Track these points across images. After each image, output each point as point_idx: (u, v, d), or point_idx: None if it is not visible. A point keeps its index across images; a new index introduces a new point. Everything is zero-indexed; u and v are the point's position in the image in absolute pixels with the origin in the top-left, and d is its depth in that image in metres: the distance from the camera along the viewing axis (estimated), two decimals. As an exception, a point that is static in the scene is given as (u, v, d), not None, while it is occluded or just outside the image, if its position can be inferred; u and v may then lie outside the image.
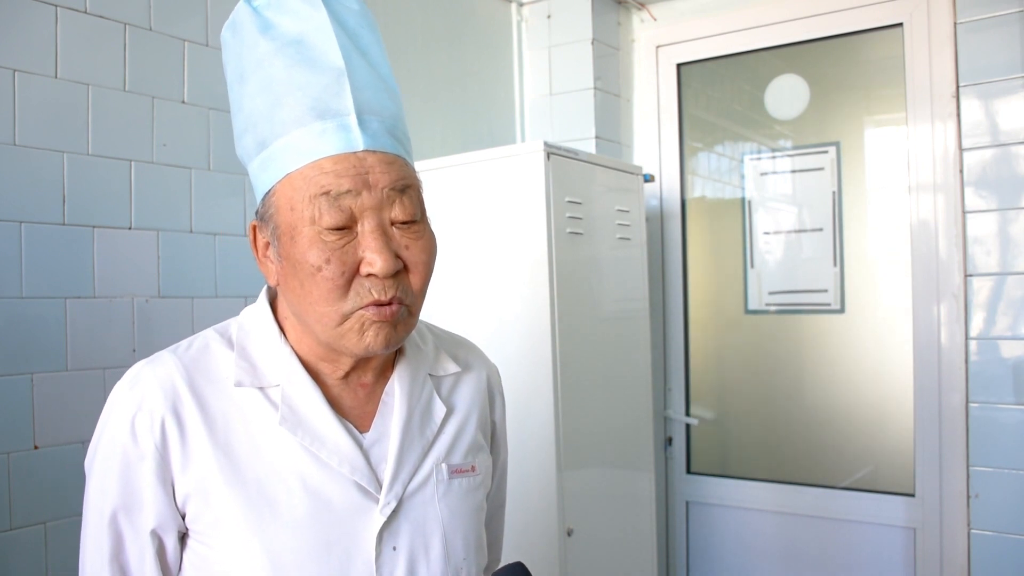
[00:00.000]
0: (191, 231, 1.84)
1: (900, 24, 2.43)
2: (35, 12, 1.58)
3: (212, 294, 1.86)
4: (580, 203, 2.03)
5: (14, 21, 1.55)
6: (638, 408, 2.29)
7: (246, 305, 1.01)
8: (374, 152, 0.86)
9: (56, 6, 1.61)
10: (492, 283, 2.00)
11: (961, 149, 2.31)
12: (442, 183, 2.08)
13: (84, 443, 1.64)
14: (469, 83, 2.60)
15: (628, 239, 2.25)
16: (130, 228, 1.73)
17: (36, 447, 1.56)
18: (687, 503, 2.83)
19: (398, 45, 2.33)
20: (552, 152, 1.95)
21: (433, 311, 2.08)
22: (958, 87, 2.30)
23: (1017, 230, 2.23)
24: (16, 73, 1.55)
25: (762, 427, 2.75)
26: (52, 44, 1.61)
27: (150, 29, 1.77)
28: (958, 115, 2.31)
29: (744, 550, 2.72)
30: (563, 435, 1.91)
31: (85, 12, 1.66)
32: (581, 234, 2.03)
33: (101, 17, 1.68)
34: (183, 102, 1.83)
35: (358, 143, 0.85)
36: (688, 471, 2.84)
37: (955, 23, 2.30)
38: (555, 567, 1.87)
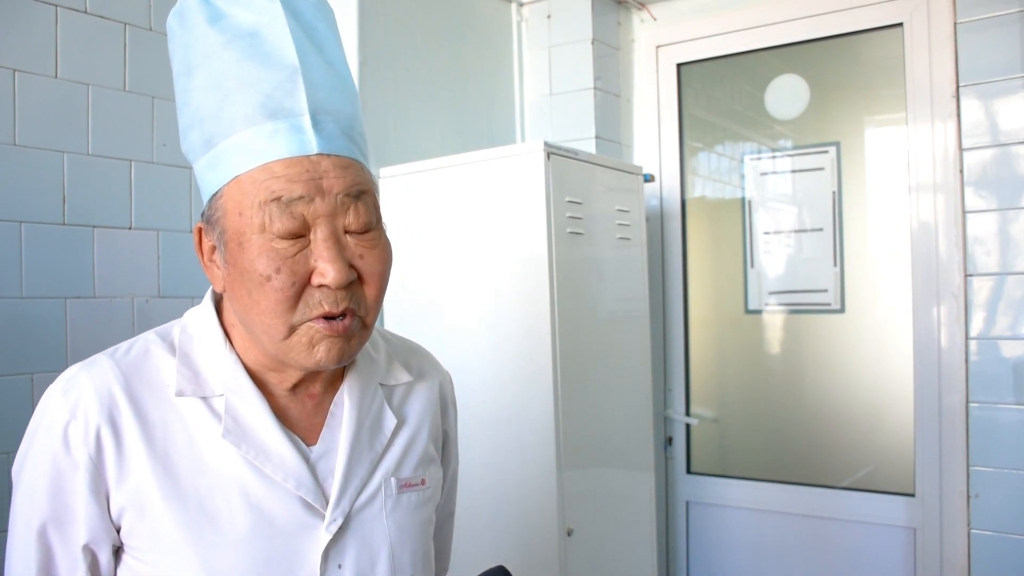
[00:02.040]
0: (191, 231, 1.84)
1: (900, 24, 2.43)
2: (35, 12, 1.58)
3: (212, 294, 1.86)
4: (580, 203, 2.03)
5: (14, 21, 1.55)
6: (638, 408, 2.29)
7: (191, 308, 0.98)
8: (328, 156, 0.81)
9: (56, 6, 1.61)
10: (492, 283, 2.00)
11: (961, 149, 2.31)
12: (442, 183, 2.08)
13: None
14: (469, 83, 2.60)
15: (628, 239, 2.25)
16: (130, 228, 1.73)
17: (36, 447, 1.56)
18: (687, 503, 2.83)
19: (398, 45, 2.33)
20: (552, 152, 1.95)
21: (433, 311, 2.08)
22: (958, 87, 2.30)
23: (1017, 230, 2.23)
24: (16, 73, 1.55)
25: (762, 427, 2.75)
26: (52, 44, 1.61)
27: (150, 29, 1.77)
28: (958, 115, 2.31)
29: (744, 550, 2.72)
30: (563, 435, 1.91)
31: (85, 12, 1.66)
32: (581, 234, 2.03)
33: (101, 17, 1.68)
34: (183, 102, 1.83)
35: (312, 146, 0.80)
36: (688, 471, 2.84)
37: (955, 23, 2.30)
38: (555, 567, 1.87)
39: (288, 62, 0.82)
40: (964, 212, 2.31)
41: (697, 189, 2.87)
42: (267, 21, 0.84)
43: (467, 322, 2.02)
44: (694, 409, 2.85)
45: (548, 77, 2.78)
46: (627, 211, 2.26)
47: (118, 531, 0.85)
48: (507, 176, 1.98)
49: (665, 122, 2.87)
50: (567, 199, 1.98)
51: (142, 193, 1.75)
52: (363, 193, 0.83)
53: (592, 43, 2.70)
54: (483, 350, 1.98)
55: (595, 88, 2.70)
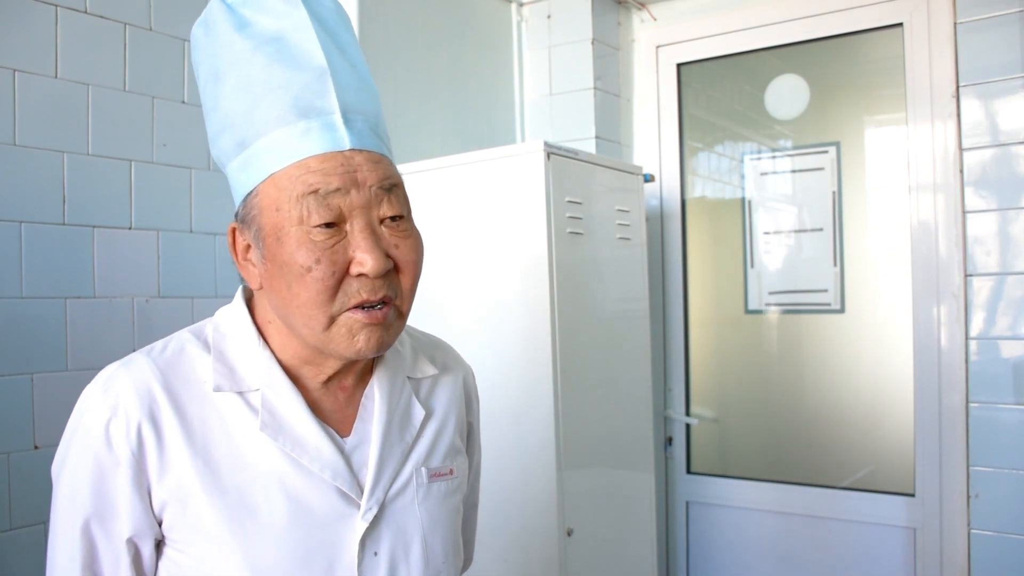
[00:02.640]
0: (191, 231, 1.84)
1: (900, 24, 2.43)
2: (35, 12, 1.58)
3: (212, 294, 1.86)
4: (580, 203, 2.03)
5: (14, 21, 1.55)
6: (638, 408, 2.29)
7: (222, 307, 0.99)
8: (360, 151, 0.85)
9: (56, 6, 1.61)
10: (492, 283, 2.00)
11: (961, 149, 2.31)
12: (442, 183, 2.08)
13: (84, 443, 1.64)
14: (469, 83, 2.60)
15: (628, 239, 2.25)
16: (130, 228, 1.73)
17: (36, 447, 1.56)
18: (687, 503, 2.83)
19: (398, 45, 2.33)
20: (552, 152, 1.95)
21: (433, 311, 2.08)
22: (958, 87, 2.30)
23: (1017, 230, 2.23)
24: (16, 73, 1.55)
25: (762, 427, 2.75)
26: (52, 44, 1.61)
27: (150, 29, 1.77)
28: (958, 115, 2.31)
29: (744, 550, 2.72)
30: (563, 435, 1.91)
31: (85, 12, 1.66)
32: (581, 234, 2.03)
33: (101, 17, 1.68)
34: (183, 102, 1.83)
35: (345, 142, 0.84)
36: (688, 471, 2.84)
37: (955, 23, 2.30)
38: (555, 567, 1.87)
39: (316, 64, 0.86)
40: (964, 212, 2.31)
41: (697, 189, 2.87)
42: (292, 26, 0.87)
43: (467, 322, 2.02)
44: (694, 409, 2.85)
45: (548, 77, 2.78)
46: (627, 211, 2.26)
47: (160, 525, 0.86)
48: (507, 176, 1.98)
49: (665, 122, 2.87)
50: (567, 199, 1.98)
51: (142, 193, 1.75)
52: (395, 186, 0.87)
53: (592, 43, 2.70)
54: (483, 350, 1.98)
55: (595, 88, 2.70)
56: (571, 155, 2.02)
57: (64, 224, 1.62)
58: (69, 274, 1.62)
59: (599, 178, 2.15)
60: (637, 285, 2.32)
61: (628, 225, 2.25)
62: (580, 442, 1.98)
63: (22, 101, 1.56)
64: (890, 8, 2.44)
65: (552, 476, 1.88)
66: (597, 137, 2.70)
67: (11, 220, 1.55)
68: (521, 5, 2.82)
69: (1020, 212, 2.22)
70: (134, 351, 1.75)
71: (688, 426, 2.83)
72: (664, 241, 2.86)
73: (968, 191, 2.30)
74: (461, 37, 2.58)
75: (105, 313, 1.68)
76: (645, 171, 2.42)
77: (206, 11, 0.92)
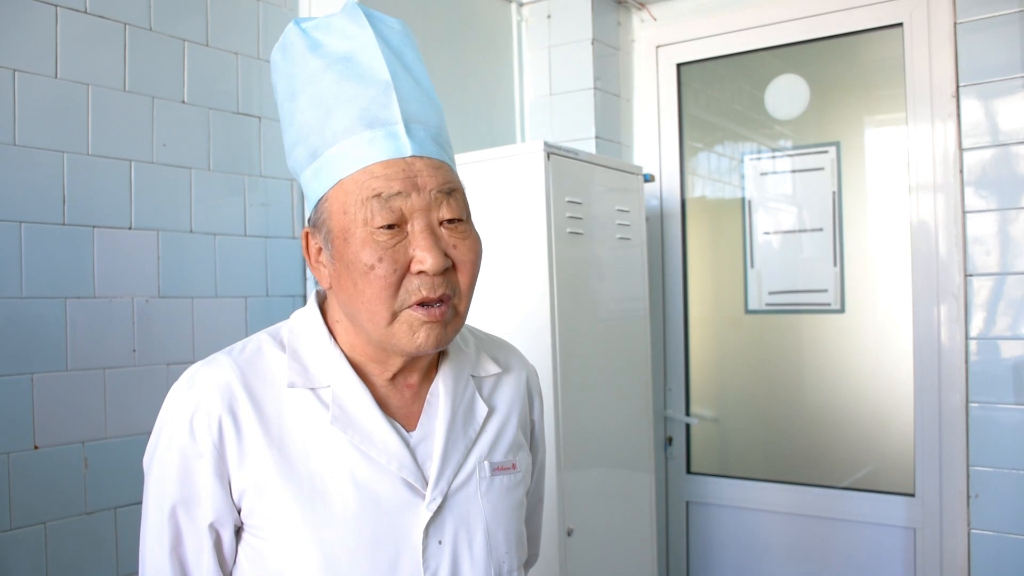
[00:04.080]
0: (191, 231, 1.84)
1: (900, 24, 2.43)
2: (35, 12, 1.58)
3: (212, 294, 1.86)
4: (580, 203, 2.03)
5: (14, 21, 1.55)
6: (638, 408, 2.29)
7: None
8: (421, 157, 0.91)
9: (56, 6, 1.61)
10: (492, 283, 2.00)
11: (961, 149, 2.31)
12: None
13: (84, 443, 1.64)
14: (469, 83, 2.60)
15: (628, 239, 2.25)
16: (130, 228, 1.73)
17: (36, 447, 1.56)
18: (687, 503, 2.83)
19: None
20: (552, 152, 1.95)
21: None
22: (958, 87, 2.30)
23: (1017, 230, 2.23)
24: (16, 73, 1.55)
25: (762, 427, 2.75)
26: (52, 44, 1.61)
27: (150, 29, 1.77)
28: (958, 115, 2.31)
29: (744, 550, 2.72)
30: (563, 435, 1.91)
31: (85, 12, 1.66)
32: (581, 234, 2.03)
33: (101, 17, 1.69)
34: (183, 102, 1.83)
35: (406, 149, 0.90)
36: (688, 471, 2.84)
37: (955, 23, 2.30)
38: (555, 567, 1.87)
39: (381, 79, 0.93)
40: (964, 212, 2.31)
41: (697, 189, 2.87)
42: (360, 46, 0.95)
43: (466, 322, 2.02)
44: (694, 409, 2.85)
45: (548, 77, 2.78)
46: (627, 211, 2.26)
47: (239, 512, 0.93)
48: (507, 176, 1.99)
49: (665, 122, 2.87)
50: (567, 199, 1.99)
51: (142, 193, 1.75)
52: (454, 191, 0.93)
53: (592, 43, 2.70)
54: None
55: (595, 88, 2.70)
56: (571, 155, 2.02)
57: (64, 224, 1.62)
58: (69, 274, 1.62)
59: (599, 178, 2.15)
60: (637, 285, 2.32)
61: (628, 225, 2.25)
62: (580, 442, 1.98)
63: (22, 101, 1.56)
64: (890, 8, 2.44)
65: (552, 476, 1.88)
66: (597, 137, 2.70)
67: (11, 220, 1.55)
68: (521, 5, 2.82)
69: (1020, 212, 2.22)
70: (134, 351, 1.75)
71: (688, 426, 2.83)
72: (664, 241, 2.86)
73: (968, 191, 2.30)
74: (461, 37, 2.58)
75: (105, 313, 1.68)
76: (645, 171, 2.42)
77: (283, 36, 0.99)
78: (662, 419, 2.85)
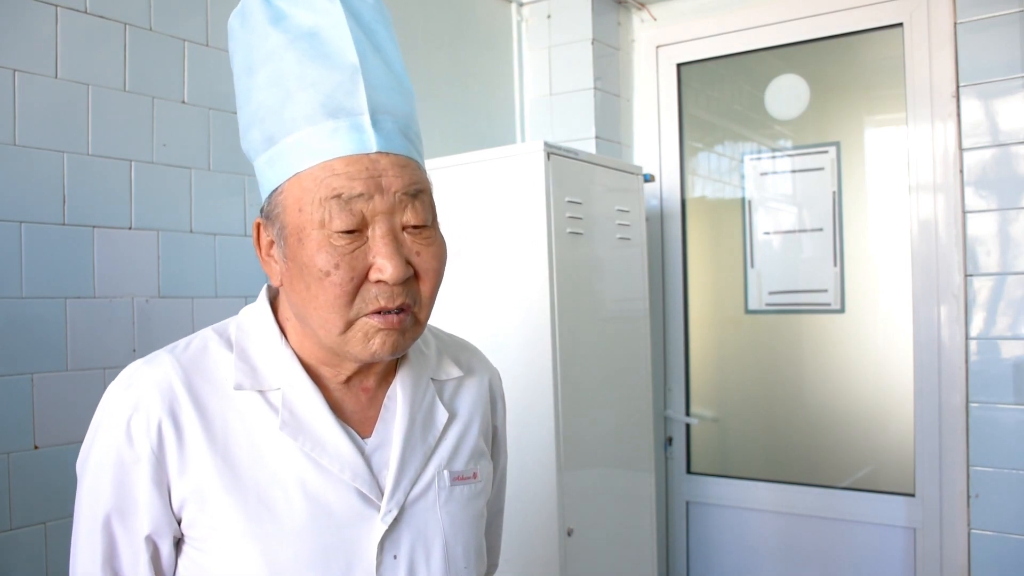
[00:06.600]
0: (191, 231, 1.84)
1: (900, 24, 2.43)
2: (35, 12, 1.58)
3: (212, 294, 1.86)
4: (580, 203, 2.03)
5: (14, 21, 1.55)
6: (638, 408, 2.29)
7: (246, 305, 1.00)
8: (387, 154, 0.83)
9: (56, 6, 1.61)
10: (492, 283, 2.00)
11: (961, 149, 2.31)
12: (442, 183, 2.07)
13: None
14: (469, 83, 2.60)
15: (628, 239, 2.25)
16: (130, 228, 1.73)
17: (36, 447, 1.56)
18: (687, 503, 2.83)
19: (398, 45, 2.33)
20: (552, 152, 1.95)
21: (433, 312, 2.08)
22: (958, 87, 2.30)
23: (1017, 230, 2.23)
24: (16, 73, 1.55)
25: (762, 427, 2.75)
26: (52, 44, 1.61)
27: (150, 29, 1.77)
28: (958, 115, 2.31)
29: (744, 550, 2.72)
30: (563, 435, 1.91)
31: (85, 12, 1.66)
32: (581, 234, 2.03)
33: (101, 17, 1.68)
34: (183, 102, 1.83)
35: (371, 144, 0.82)
36: (688, 471, 2.84)
37: (955, 23, 2.30)
38: (555, 567, 1.87)
39: (348, 62, 0.85)
40: (964, 212, 2.31)
41: (697, 189, 2.87)
42: (328, 22, 0.86)
43: (467, 322, 2.02)
44: (694, 409, 2.85)
45: (548, 77, 2.78)
46: (627, 211, 2.26)
47: (179, 523, 0.86)
48: (507, 176, 1.98)
49: (665, 122, 2.87)
50: (567, 199, 1.98)
51: (142, 193, 1.75)
52: (420, 192, 0.86)
53: (592, 43, 2.70)
54: (483, 350, 1.98)
55: (595, 88, 2.70)
56: (571, 155, 2.02)
57: (64, 224, 1.62)
58: (69, 274, 1.62)
59: (599, 178, 2.15)
60: (637, 285, 2.32)
61: (628, 225, 2.25)
62: (580, 442, 1.98)
63: (22, 101, 1.56)
64: (890, 8, 2.44)
65: (552, 476, 1.88)
66: (597, 137, 2.70)
67: (11, 220, 1.54)
68: (521, 5, 2.82)
69: (1020, 212, 2.22)
70: (134, 351, 1.75)
71: (688, 426, 2.83)
72: (664, 241, 2.86)
73: (968, 191, 2.30)
74: (461, 37, 2.58)
75: (105, 313, 1.68)
76: (645, 171, 2.42)
77: (243, 1, 0.90)
78: (662, 419, 2.85)
